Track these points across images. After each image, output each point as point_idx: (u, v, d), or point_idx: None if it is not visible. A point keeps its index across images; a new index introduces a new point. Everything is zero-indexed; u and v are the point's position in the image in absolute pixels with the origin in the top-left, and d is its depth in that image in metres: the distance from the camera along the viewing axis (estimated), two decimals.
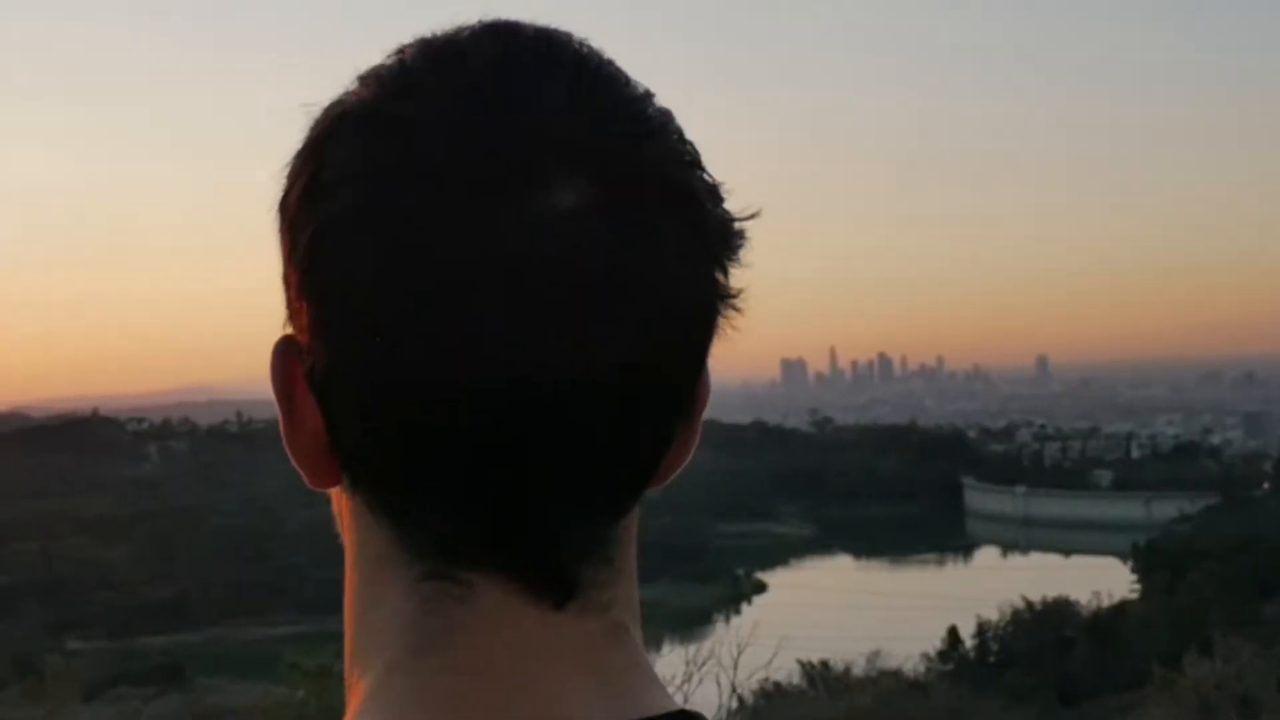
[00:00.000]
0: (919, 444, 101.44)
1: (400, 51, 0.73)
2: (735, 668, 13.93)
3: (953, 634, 40.48)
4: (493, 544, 0.70)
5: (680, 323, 0.70)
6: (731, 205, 0.75)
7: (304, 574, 52.15)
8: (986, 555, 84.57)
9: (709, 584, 67.21)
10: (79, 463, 78.27)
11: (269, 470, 60.97)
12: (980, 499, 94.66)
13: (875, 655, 27.25)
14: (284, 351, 0.73)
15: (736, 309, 0.75)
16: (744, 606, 65.56)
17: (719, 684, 13.70)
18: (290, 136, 0.73)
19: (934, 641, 39.58)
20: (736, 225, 0.74)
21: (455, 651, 0.71)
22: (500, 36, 0.72)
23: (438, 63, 0.71)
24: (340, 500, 0.76)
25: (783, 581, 71.87)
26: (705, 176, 0.73)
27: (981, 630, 41.53)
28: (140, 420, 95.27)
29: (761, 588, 70.03)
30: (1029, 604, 41.88)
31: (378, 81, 0.71)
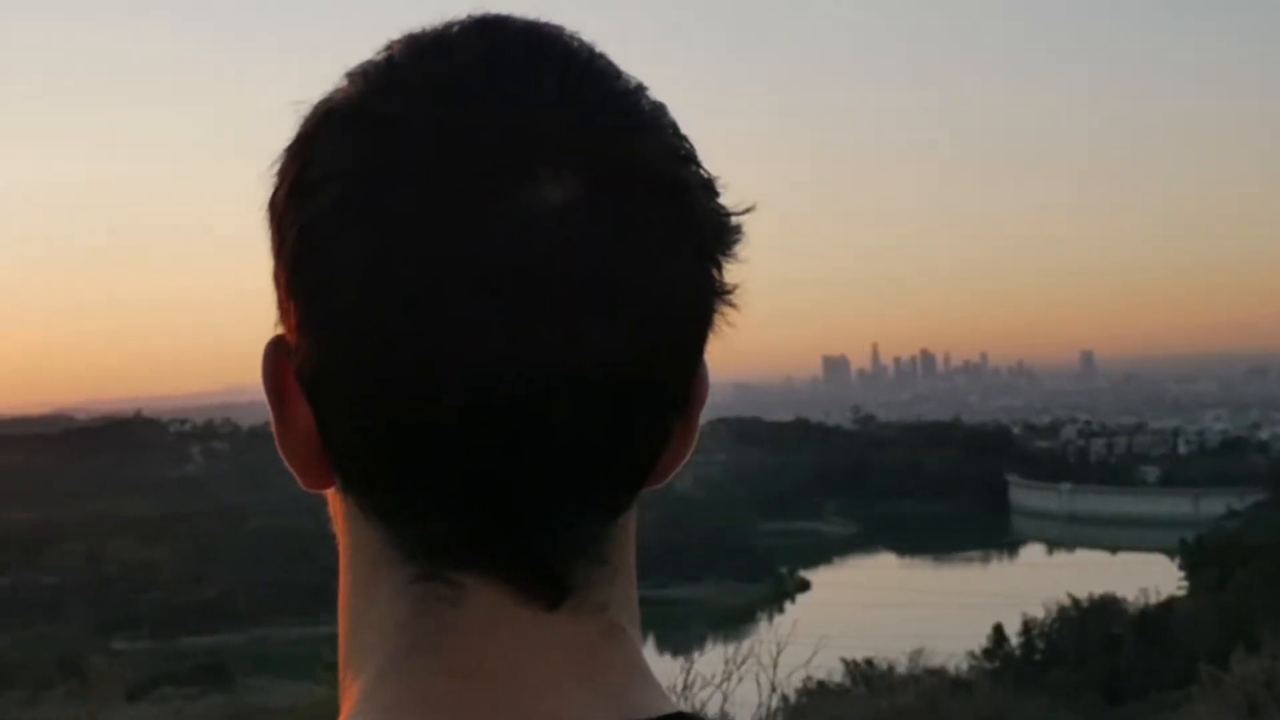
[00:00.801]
0: (963, 441, 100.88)
1: (389, 48, 0.72)
2: (775, 666, 13.80)
3: (998, 632, 40.18)
4: (483, 545, 0.69)
5: (671, 319, 0.69)
6: (727, 200, 0.74)
7: None
8: (1032, 553, 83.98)
9: (753, 582, 67.04)
10: (122, 464, 79.14)
11: None
12: (1025, 496, 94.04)
13: (918, 653, 27.07)
14: (274, 351, 0.73)
15: (732, 305, 0.74)
16: (787, 605, 65.29)
17: (758, 683, 13.58)
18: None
19: (979, 640, 39.31)
20: (731, 220, 0.73)
21: (446, 654, 0.70)
22: (488, 31, 0.71)
23: (424, 59, 0.70)
24: (334, 501, 0.76)
25: (826, 580, 71.61)
26: (699, 171, 0.72)
27: (1027, 628, 41.22)
28: (183, 421, 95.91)
29: (805, 586, 69.77)
30: (1075, 601, 41.51)
31: (364, 78, 0.71)
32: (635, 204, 0.68)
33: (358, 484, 0.72)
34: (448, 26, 0.72)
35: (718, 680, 12.82)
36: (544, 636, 0.70)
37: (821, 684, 24.61)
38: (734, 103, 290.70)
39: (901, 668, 26.27)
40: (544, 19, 0.74)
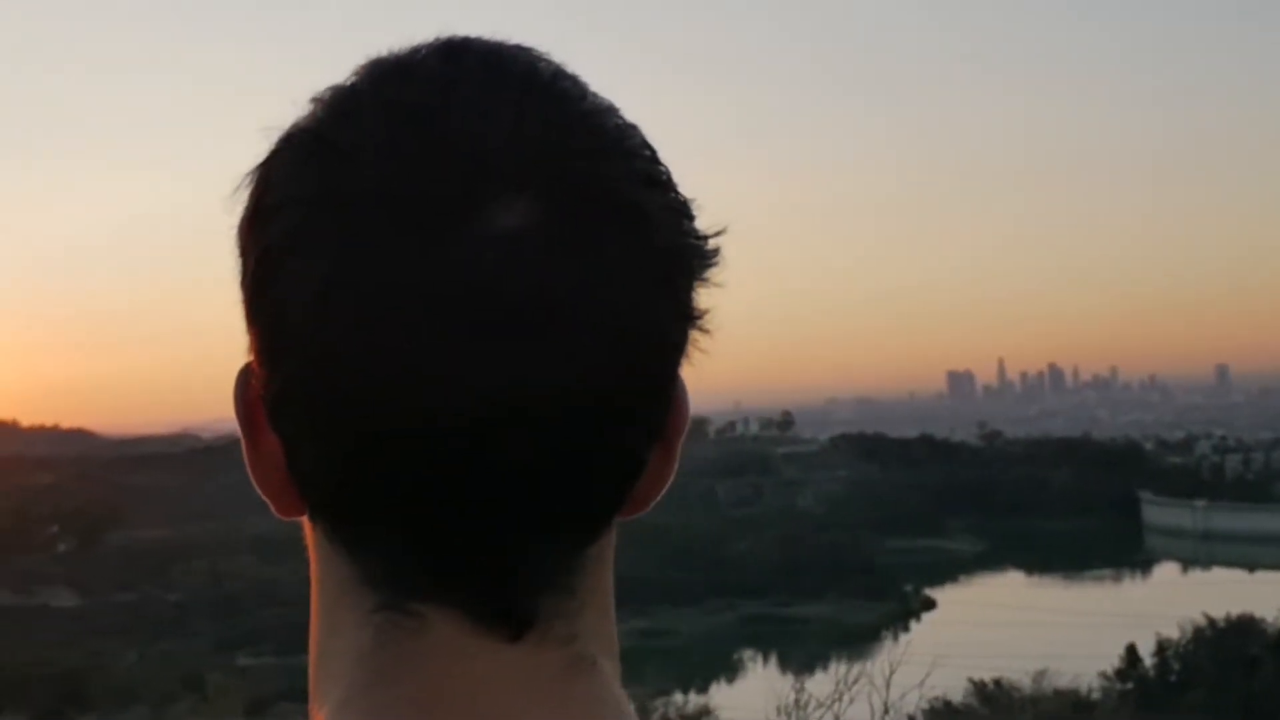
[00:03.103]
0: (1093, 457, 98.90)
1: (355, 72, 0.72)
2: (888, 686, 13.31)
3: (1131, 653, 39.14)
4: (443, 576, 0.69)
5: (630, 346, 0.68)
6: (701, 223, 0.73)
7: None
8: (1165, 571, 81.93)
9: (876, 601, 66.03)
10: (246, 482, 79.22)
11: None
12: (1158, 513, 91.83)
13: (1042, 674, 26.37)
14: (243, 378, 0.73)
15: (704, 330, 0.73)
16: (913, 624, 64.26)
17: (871, 704, 13.10)
18: None
19: (1111, 660, 38.32)
20: (701, 245, 0.72)
21: (406, 685, 0.69)
22: (448, 55, 0.71)
23: (383, 84, 0.70)
24: (307, 529, 0.75)
25: (953, 598, 70.39)
26: (666, 195, 0.71)
27: (1161, 649, 40.07)
28: None
29: (931, 604, 68.58)
30: (1211, 621, 40.23)
31: (324, 104, 0.71)
32: (592, 229, 0.67)
33: (323, 512, 0.72)
34: (413, 51, 0.71)
35: (829, 700, 12.39)
36: (506, 668, 0.69)
37: (949, 704, 24.15)
38: (856, 115, 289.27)
39: (1029, 688, 25.66)
40: (514, 40, 0.73)
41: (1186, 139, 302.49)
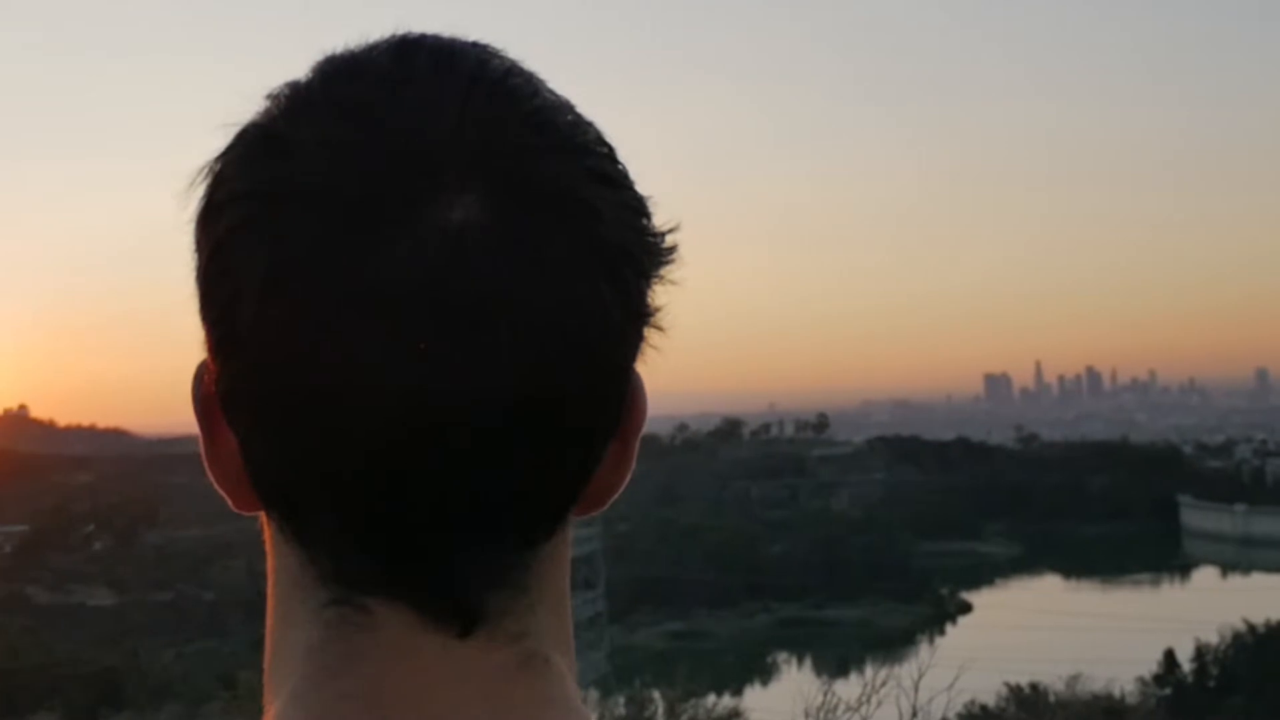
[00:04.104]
0: (1131, 461, 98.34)
1: (311, 69, 0.72)
2: (916, 690, 13.17)
3: (1169, 658, 38.82)
4: (390, 572, 0.69)
5: (576, 343, 0.68)
6: (656, 220, 0.73)
7: None
8: (1205, 576, 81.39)
9: (911, 604, 65.83)
10: None
11: None
12: (1197, 517, 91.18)
13: (1075, 679, 26.20)
14: (199, 374, 0.74)
15: (657, 328, 0.73)
16: (948, 627, 63.94)
17: (899, 707, 12.98)
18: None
19: (1150, 665, 37.99)
20: (654, 242, 0.72)
21: (354, 679, 0.70)
22: (400, 53, 0.71)
23: (332, 81, 0.71)
24: (264, 525, 0.76)
25: (989, 601, 70.05)
26: (617, 191, 0.71)
27: (1200, 654, 39.81)
28: None
29: (967, 608, 68.27)
30: (1251, 627, 39.93)
31: (275, 100, 0.71)
32: (538, 225, 0.67)
33: (275, 507, 0.72)
34: (368, 49, 0.72)
35: (856, 704, 12.27)
36: (453, 664, 0.70)
37: (985, 708, 24.01)
38: (889, 118, 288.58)
39: (1064, 692, 25.51)
40: (471, 37, 0.74)
41: (1227, 141, 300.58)
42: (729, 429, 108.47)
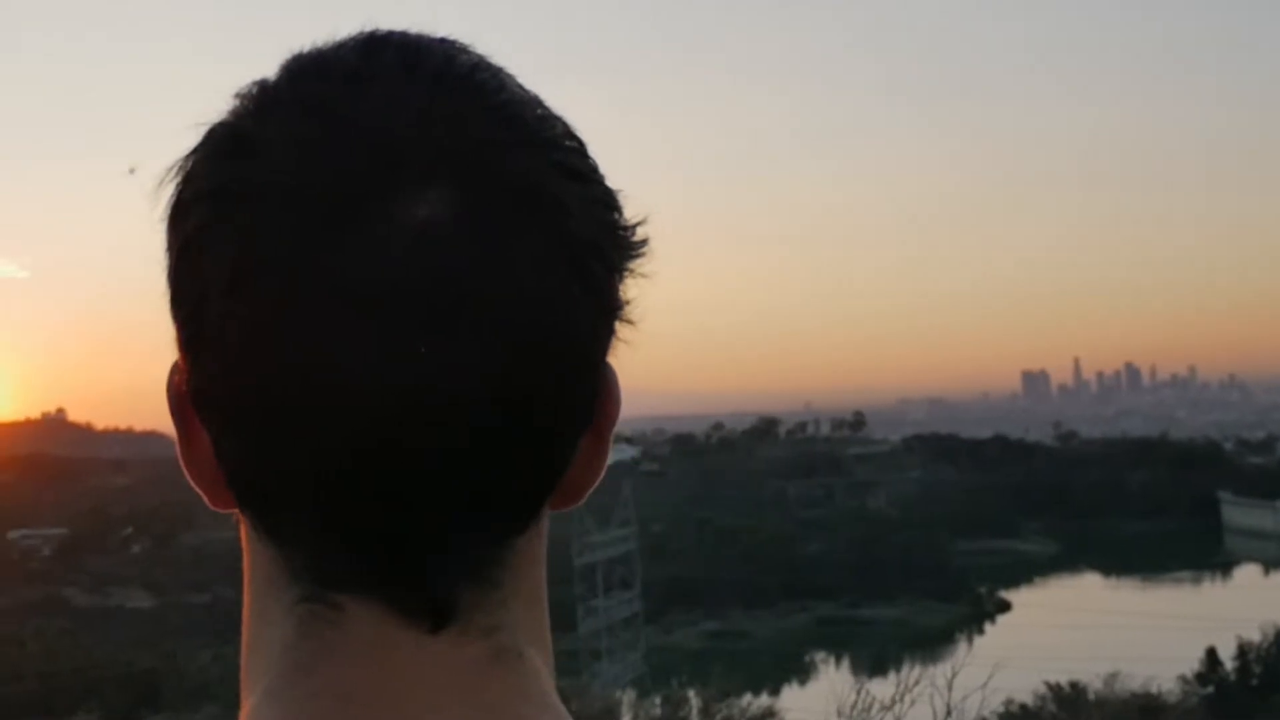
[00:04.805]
0: (1171, 457, 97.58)
1: (280, 67, 0.73)
2: (949, 689, 13.01)
3: (1211, 656, 38.42)
4: (361, 568, 0.69)
5: (544, 337, 0.68)
6: (627, 214, 0.73)
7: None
8: (1246, 573, 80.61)
9: (950, 603, 65.47)
10: None
11: None
12: (1239, 514, 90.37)
13: (1114, 677, 26.00)
14: (173, 373, 0.74)
15: (627, 321, 0.73)
16: (987, 626, 63.57)
17: (933, 706, 12.82)
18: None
19: (1191, 664, 37.62)
20: (622, 236, 0.72)
21: (326, 676, 0.70)
22: (367, 50, 0.71)
23: (298, 79, 0.71)
24: (240, 522, 0.76)
25: (1028, 600, 69.65)
26: (586, 186, 0.71)
27: (1243, 652, 39.39)
28: None
29: (1005, 607, 67.85)
30: None
31: (243, 99, 0.72)
32: (505, 220, 0.67)
33: (247, 504, 0.72)
34: (335, 46, 0.72)
35: (890, 703, 12.12)
36: (426, 659, 0.70)
37: (1024, 707, 23.87)
38: (927, 114, 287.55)
39: (1105, 691, 25.32)
40: (441, 34, 0.74)
41: (1266, 136, 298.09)
42: (765, 428, 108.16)
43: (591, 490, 0.77)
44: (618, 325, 0.73)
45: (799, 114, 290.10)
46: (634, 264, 0.73)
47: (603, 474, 0.77)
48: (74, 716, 33.38)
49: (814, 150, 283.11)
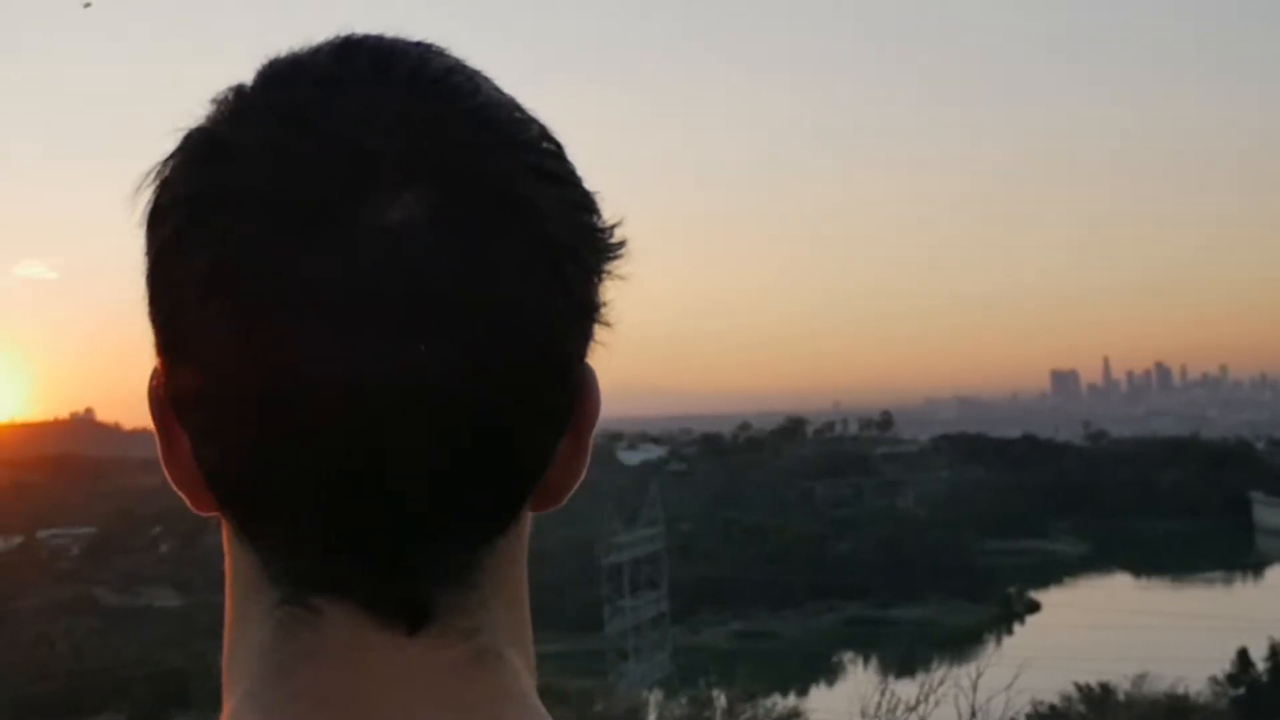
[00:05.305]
0: (1202, 457, 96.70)
1: (255, 72, 0.73)
2: (974, 690, 12.89)
3: (1243, 656, 38.10)
4: (338, 570, 0.69)
5: (515, 337, 0.68)
6: (604, 217, 0.73)
7: (565, 592, 52.21)
8: (1278, 573, 79.98)
9: (978, 603, 65.09)
10: None
11: None
12: (1270, 514, 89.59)
13: (1142, 678, 25.83)
14: (154, 377, 0.74)
15: (604, 323, 0.73)
16: (1016, 626, 63.23)
17: (957, 707, 12.71)
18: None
19: (1223, 664, 37.32)
20: (598, 238, 0.72)
21: (304, 679, 0.70)
22: (341, 54, 0.72)
23: (272, 84, 0.71)
24: (222, 525, 0.76)
25: (1057, 600, 69.23)
26: (561, 188, 0.71)
27: (1275, 653, 39.05)
28: None
29: (1035, 607, 67.45)
30: None
31: (219, 104, 0.72)
32: (480, 222, 0.67)
33: (227, 507, 0.73)
34: (311, 50, 0.73)
35: (915, 703, 12.02)
36: (404, 662, 0.70)
37: (1053, 707, 23.76)
38: (955, 113, 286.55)
39: (1133, 691, 25.17)
40: (417, 37, 0.74)
41: None
42: (792, 427, 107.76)
43: (572, 492, 0.76)
44: (596, 327, 0.73)
45: (829, 112, 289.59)
46: (611, 266, 0.73)
47: (583, 475, 0.77)
48: (102, 715, 33.55)
49: (841, 149, 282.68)
